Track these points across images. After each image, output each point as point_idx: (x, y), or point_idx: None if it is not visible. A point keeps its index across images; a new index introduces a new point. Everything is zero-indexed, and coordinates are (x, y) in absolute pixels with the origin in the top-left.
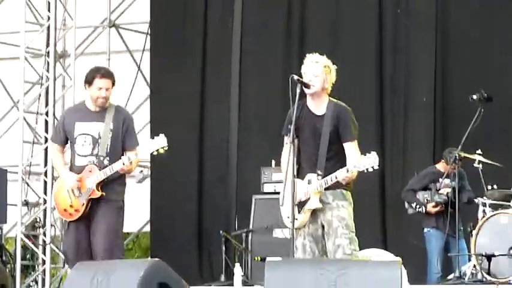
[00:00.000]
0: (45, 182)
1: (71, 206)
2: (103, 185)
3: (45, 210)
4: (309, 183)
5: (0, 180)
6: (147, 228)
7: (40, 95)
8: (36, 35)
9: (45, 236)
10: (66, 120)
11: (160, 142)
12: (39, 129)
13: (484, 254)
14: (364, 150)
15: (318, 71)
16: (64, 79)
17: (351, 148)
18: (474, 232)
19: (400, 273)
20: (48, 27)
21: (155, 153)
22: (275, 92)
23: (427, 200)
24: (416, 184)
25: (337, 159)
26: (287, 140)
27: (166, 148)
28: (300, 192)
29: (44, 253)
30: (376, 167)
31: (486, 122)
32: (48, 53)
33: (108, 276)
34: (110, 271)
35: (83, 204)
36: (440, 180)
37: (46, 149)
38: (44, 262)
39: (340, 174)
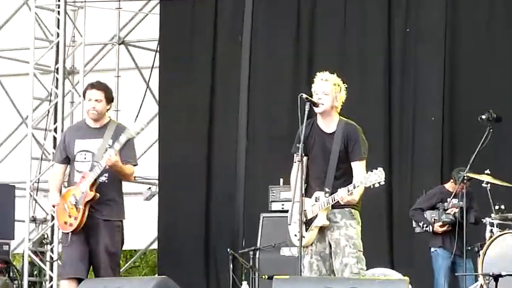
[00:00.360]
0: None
1: (69, 215)
2: (101, 203)
3: (52, 227)
4: (316, 201)
5: (8, 196)
6: (155, 246)
7: (49, 111)
8: (45, 51)
9: (52, 252)
10: (67, 138)
11: None
12: (48, 145)
13: (491, 274)
14: (372, 168)
15: (327, 89)
16: (73, 96)
17: (358, 167)
18: (481, 252)
19: None
20: (58, 44)
21: None
22: (284, 109)
23: (434, 219)
24: (424, 203)
25: (346, 178)
26: (296, 158)
27: None
28: (308, 209)
29: (52, 270)
30: (383, 182)
31: (495, 142)
32: (57, 69)
33: None
34: (120, 285)
35: (80, 208)
36: (448, 200)
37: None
38: (51, 279)
39: (340, 193)
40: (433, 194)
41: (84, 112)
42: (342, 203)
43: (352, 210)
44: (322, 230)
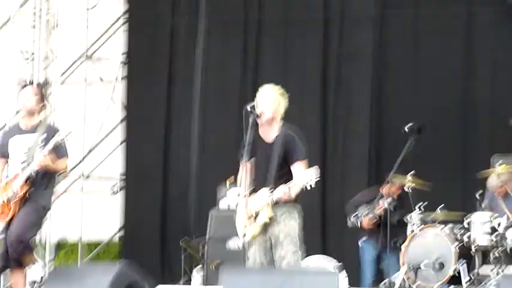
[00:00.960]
0: None
1: (2, 212)
2: (31, 189)
3: None
4: (260, 198)
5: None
6: (117, 237)
7: None
8: (22, 66)
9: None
10: (2, 137)
11: None
12: None
13: (412, 265)
14: None
15: (269, 102)
16: (46, 106)
17: (298, 168)
18: (403, 246)
19: (337, 282)
20: (33, 59)
21: None
22: (231, 119)
23: (363, 214)
24: (358, 199)
25: (287, 178)
26: (242, 162)
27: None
28: (252, 206)
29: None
30: (314, 182)
31: (417, 149)
32: (32, 81)
33: (82, 276)
34: (83, 272)
35: (10, 207)
36: (381, 201)
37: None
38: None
39: (277, 193)
40: (368, 193)
41: (56, 119)
42: (283, 201)
43: (291, 208)
44: (264, 225)
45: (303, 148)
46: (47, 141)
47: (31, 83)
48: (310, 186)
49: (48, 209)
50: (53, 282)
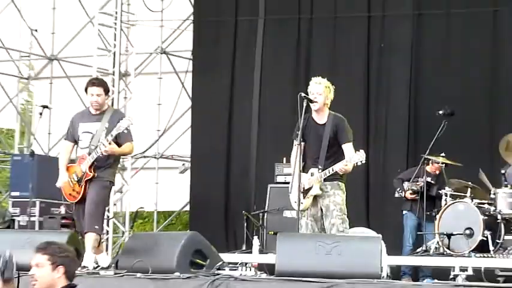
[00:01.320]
0: None
1: (73, 189)
2: (96, 168)
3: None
4: (311, 175)
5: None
6: (187, 208)
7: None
8: (105, 58)
9: (108, 211)
10: (73, 122)
11: None
12: None
13: (445, 233)
14: (355, 150)
15: (320, 90)
16: (126, 93)
17: (348, 148)
18: (438, 216)
19: (380, 246)
20: (114, 53)
21: None
22: (287, 104)
23: (408, 187)
24: (405, 175)
25: (335, 158)
26: (295, 143)
27: None
28: (304, 182)
29: (108, 225)
30: (364, 161)
31: (449, 131)
32: (114, 72)
33: (157, 242)
34: (158, 239)
35: (81, 186)
36: (423, 177)
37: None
38: (107, 232)
39: (338, 166)
40: (413, 171)
41: (134, 105)
42: (341, 173)
43: (340, 183)
44: (315, 197)
45: (350, 131)
46: (111, 127)
47: (98, 79)
48: (361, 162)
49: (113, 184)
50: (132, 245)
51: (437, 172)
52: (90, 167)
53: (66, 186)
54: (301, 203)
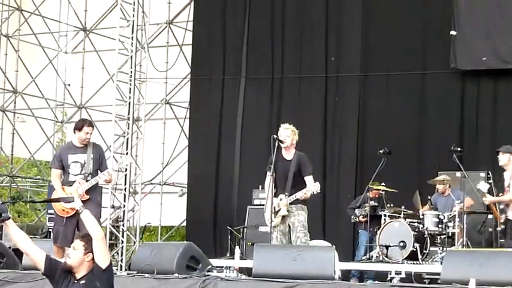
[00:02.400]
0: (124, 194)
1: (64, 209)
2: (87, 191)
3: (123, 211)
4: (280, 200)
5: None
6: (184, 224)
7: (123, 143)
8: (122, 107)
9: (123, 226)
10: (62, 154)
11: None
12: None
13: (384, 244)
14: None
15: (288, 133)
16: (137, 134)
17: (308, 179)
18: (378, 232)
19: (333, 254)
20: (129, 103)
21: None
22: (262, 144)
23: (359, 213)
24: (354, 204)
25: (298, 187)
26: (269, 174)
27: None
28: (275, 204)
29: (123, 236)
30: (319, 191)
31: (388, 166)
32: (129, 118)
33: (160, 250)
34: (161, 248)
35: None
36: (367, 202)
37: (126, 175)
38: (122, 242)
39: (299, 194)
40: (359, 199)
41: (145, 145)
42: (301, 200)
43: (302, 205)
44: (284, 217)
45: (310, 166)
46: (96, 157)
47: (88, 121)
48: (317, 192)
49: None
50: (142, 252)
51: (377, 196)
52: (86, 191)
53: (60, 204)
54: (273, 221)
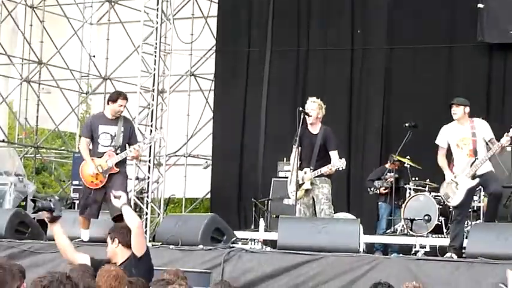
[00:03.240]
0: (149, 166)
1: (96, 178)
2: (117, 164)
3: (148, 183)
4: (305, 173)
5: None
6: (208, 196)
7: (147, 114)
8: (147, 79)
9: (148, 198)
10: (93, 123)
11: None
12: (147, 134)
13: (409, 218)
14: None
15: (314, 107)
16: (162, 106)
17: (333, 154)
18: (403, 205)
19: (358, 227)
20: (154, 75)
21: None
22: (287, 116)
23: (380, 185)
24: (373, 176)
25: (323, 161)
26: (294, 147)
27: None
28: (300, 177)
29: (147, 208)
30: (344, 168)
31: (413, 139)
32: (154, 90)
33: (185, 222)
34: (186, 219)
35: (105, 177)
36: (388, 174)
37: (150, 146)
38: (146, 213)
39: (324, 169)
40: (378, 170)
41: (169, 117)
42: (326, 175)
43: (326, 178)
44: (307, 190)
45: (336, 141)
46: (126, 131)
47: (123, 94)
48: (342, 168)
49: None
50: (167, 223)
51: (397, 168)
52: (116, 164)
53: (89, 175)
54: (297, 193)
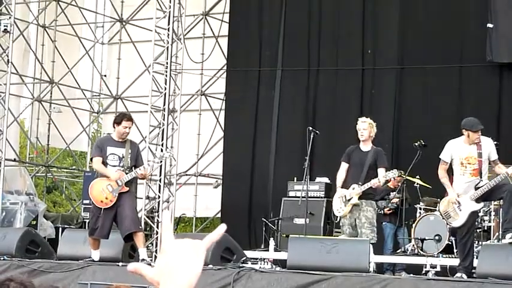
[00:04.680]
0: (159, 185)
1: (106, 198)
2: (126, 184)
3: (158, 202)
4: (353, 189)
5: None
6: (219, 215)
7: (158, 134)
8: (158, 98)
9: (158, 217)
10: (102, 145)
11: None
12: (158, 154)
13: (419, 238)
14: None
15: (365, 126)
16: (173, 125)
17: (381, 171)
18: (414, 225)
19: (368, 247)
20: (165, 94)
21: None
22: (298, 136)
23: (384, 206)
24: (377, 196)
25: (371, 179)
26: (343, 164)
27: None
28: (346, 193)
29: (157, 227)
30: (394, 176)
31: (422, 159)
32: (164, 109)
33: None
34: (196, 238)
35: (115, 196)
36: (392, 194)
37: (161, 166)
38: (157, 233)
39: (374, 181)
40: (382, 190)
41: (180, 136)
42: (374, 187)
43: (372, 202)
44: (352, 208)
45: (386, 160)
46: (133, 153)
47: (127, 116)
48: (393, 178)
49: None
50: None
51: (396, 187)
52: (126, 183)
53: (99, 194)
54: (342, 210)
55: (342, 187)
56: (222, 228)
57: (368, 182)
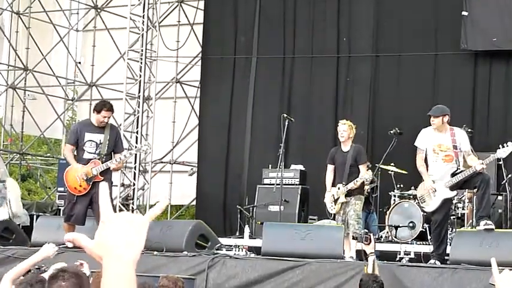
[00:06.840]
0: (134, 173)
1: (80, 185)
2: (102, 173)
3: (133, 189)
4: (338, 189)
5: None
6: (194, 202)
7: (133, 121)
8: (132, 85)
9: (133, 204)
10: (80, 130)
11: None
12: (132, 141)
13: (393, 225)
14: None
15: (345, 128)
16: (148, 113)
17: (362, 168)
18: (388, 212)
19: (342, 234)
20: (140, 81)
21: None
22: (273, 123)
23: None
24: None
25: (355, 177)
26: (329, 166)
27: None
28: (334, 193)
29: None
30: (369, 179)
31: (399, 147)
32: (139, 96)
33: (170, 228)
34: (171, 225)
35: (89, 184)
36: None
37: (135, 154)
38: None
39: (350, 185)
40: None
41: (154, 125)
42: (356, 188)
43: (360, 196)
44: (342, 204)
45: (365, 156)
46: (112, 140)
47: (111, 105)
48: (367, 180)
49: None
50: (152, 229)
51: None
52: (100, 172)
53: (73, 181)
54: (333, 208)
55: (332, 186)
56: (164, 202)
57: (352, 181)
